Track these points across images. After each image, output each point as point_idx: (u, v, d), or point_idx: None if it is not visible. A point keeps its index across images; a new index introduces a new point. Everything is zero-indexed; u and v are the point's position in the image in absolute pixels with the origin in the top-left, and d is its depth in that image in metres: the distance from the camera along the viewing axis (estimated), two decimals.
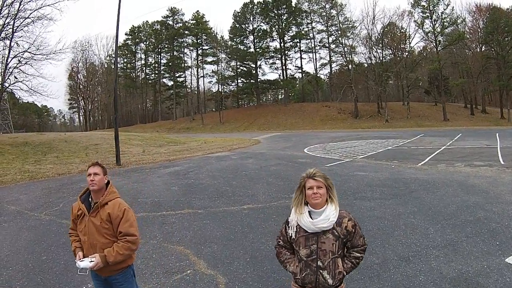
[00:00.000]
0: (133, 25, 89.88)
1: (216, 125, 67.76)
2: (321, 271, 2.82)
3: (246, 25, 76.76)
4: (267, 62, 78.36)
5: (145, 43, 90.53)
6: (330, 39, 70.66)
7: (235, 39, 78.27)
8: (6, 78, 29.85)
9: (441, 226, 7.22)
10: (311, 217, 2.87)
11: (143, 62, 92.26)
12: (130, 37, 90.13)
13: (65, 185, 15.14)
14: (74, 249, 3.56)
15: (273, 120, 62.77)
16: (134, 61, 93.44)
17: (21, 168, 20.28)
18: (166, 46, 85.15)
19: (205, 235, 7.45)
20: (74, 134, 43.82)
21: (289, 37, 74.91)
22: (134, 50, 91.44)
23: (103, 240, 3.39)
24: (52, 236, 8.37)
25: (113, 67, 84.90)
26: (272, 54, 76.73)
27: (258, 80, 78.50)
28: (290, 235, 2.97)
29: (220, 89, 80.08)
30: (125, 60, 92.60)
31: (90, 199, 3.53)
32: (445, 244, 6.29)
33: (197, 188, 12.52)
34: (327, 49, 71.30)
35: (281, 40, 74.80)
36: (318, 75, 76.12)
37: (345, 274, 2.88)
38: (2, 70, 29.99)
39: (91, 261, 3.27)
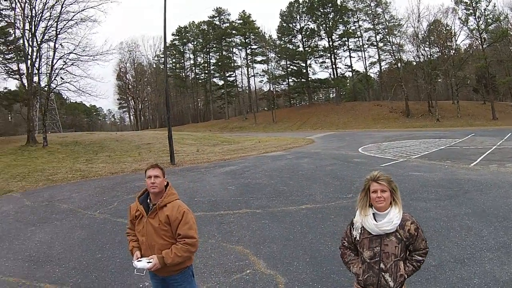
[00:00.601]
0: (179, 26, 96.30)
1: (269, 124, 71.49)
2: (383, 273, 3.07)
3: (294, 24, 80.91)
4: (316, 61, 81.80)
5: (193, 43, 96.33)
6: (378, 37, 74.14)
7: (283, 38, 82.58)
8: (52, 79, 32.41)
9: (494, 228, 7.42)
10: (375, 220, 3.12)
11: (192, 62, 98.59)
12: (177, 37, 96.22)
13: (118, 184, 16.10)
14: (131, 249, 3.85)
15: (326, 119, 65.96)
16: (182, 61, 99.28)
17: (72, 167, 21.82)
18: (214, 46, 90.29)
19: (264, 235, 7.86)
20: (126, 133, 46.25)
21: (337, 36, 78.35)
22: (182, 50, 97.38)
23: (161, 242, 3.63)
24: (107, 235, 8.90)
25: (161, 67, 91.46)
26: (322, 53, 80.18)
27: (309, 79, 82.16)
28: (354, 236, 3.25)
29: (271, 88, 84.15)
30: (174, 60, 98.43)
31: (148, 200, 3.80)
32: (498, 246, 6.48)
33: (254, 187, 13.08)
34: (375, 47, 74.85)
35: (329, 39, 78.30)
36: (368, 74, 79.51)
37: (406, 277, 3.09)
38: (48, 71, 32.70)
39: (149, 262, 3.54)
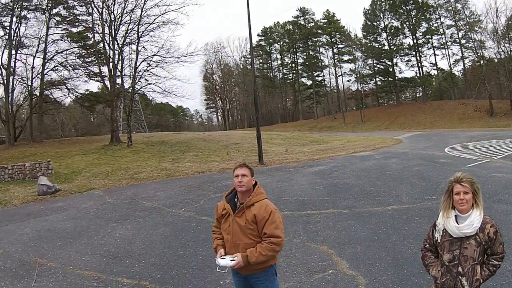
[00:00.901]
0: (264, 26, 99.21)
1: (358, 124, 72.36)
2: (460, 277, 3.20)
3: (378, 22, 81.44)
4: (402, 60, 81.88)
5: (279, 43, 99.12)
6: (460, 34, 73.02)
7: (368, 37, 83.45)
8: (136, 81, 34.42)
9: None
10: (457, 222, 3.25)
11: (279, 62, 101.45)
12: (263, 38, 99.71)
13: (205, 183, 16.51)
14: (215, 247, 4.00)
15: (413, 119, 66.34)
16: (269, 61, 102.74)
17: (158, 166, 22.65)
18: (301, 45, 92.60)
19: (349, 235, 7.98)
20: (214, 133, 47.70)
21: (421, 33, 78.00)
22: (268, 50, 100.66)
23: (246, 240, 3.77)
24: (191, 232, 8.98)
25: (249, 67, 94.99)
26: (407, 51, 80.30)
27: (396, 78, 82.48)
28: (436, 238, 3.40)
29: (359, 88, 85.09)
30: (261, 60, 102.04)
31: (236, 199, 3.97)
32: None
33: (342, 188, 13.23)
34: (458, 44, 73.78)
35: (413, 37, 78.16)
36: (453, 72, 78.45)
37: (482, 281, 3.19)
38: (132, 73, 34.68)
39: (232, 260, 3.67)
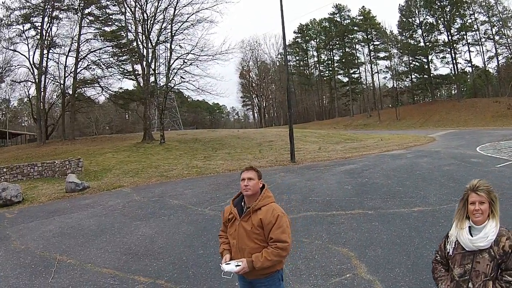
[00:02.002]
0: (300, 23, 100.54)
1: (393, 122, 72.63)
2: None
3: (413, 18, 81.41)
4: (437, 56, 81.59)
5: (315, 40, 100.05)
6: (493, 30, 72.69)
7: (404, 33, 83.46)
8: (171, 79, 35.03)
9: None
10: (470, 234, 3.06)
11: (315, 59, 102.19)
12: (299, 35, 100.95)
13: (235, 181, 16.45)
14: (222, 251, 4.05)
15: (447, 117, 66.27)
16: (306, 58, 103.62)
17: (189, 164, 22.88)
18: (337, 42, 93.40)
19: (371, 238, 7.93)
20: (248, 130, 47.97)
21: (455, 30, 77.55)
22: (305, 47, 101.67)
23: (252, 245, 3.77)
24: (213, 231, 8.98)
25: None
26: (442, 48, 79.91)
27: (431, 75, 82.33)
28: (448, 250, 3.22)
29: (394, 85, 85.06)
30: (297, 57, 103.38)
31: (242, 203, 3.98)
32: None
33: (370, 187, 13.11)
34: (492, 41, 73.50)
35: (448, 33, 77.79)
36: (487, 69, 78.05)
37: None
38: (166, 72, 35.32)
39: (237, 266, 3.70)
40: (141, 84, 36.24)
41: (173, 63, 34.46)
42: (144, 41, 35.28)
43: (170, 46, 34.66)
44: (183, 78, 35.06)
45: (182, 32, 34.87)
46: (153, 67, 35.06)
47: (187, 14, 34.66)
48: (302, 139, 34.42)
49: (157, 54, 35.47)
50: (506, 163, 16.75)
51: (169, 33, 34.68)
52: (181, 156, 26.65)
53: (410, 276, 5.98)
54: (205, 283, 6.24)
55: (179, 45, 35.20)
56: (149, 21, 35.09)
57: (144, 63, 34.85)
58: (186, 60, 34.51)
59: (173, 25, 34.62)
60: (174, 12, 34.32)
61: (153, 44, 34.95)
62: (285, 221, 3.77)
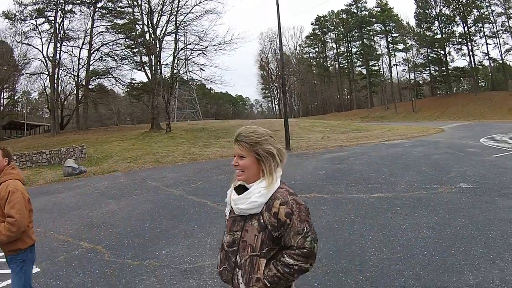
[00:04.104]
0: (317, 15, 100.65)
1: (409, 114, 72.22)
2: (237, 269, 2.35)
3: (429, 10, 79.63)
4: (454, 49, 79.79)
5: (333, 32, 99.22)
6: (510, 22, 71.34)
7: (421, 25, 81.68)
8: (179, 69, 36.20)
9: None
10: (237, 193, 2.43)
11: (335, 51, 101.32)
12: (316, 26, 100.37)
13: (219, 166, 17.22)
14: None
15: (463, 109, 65.52)
16: (325, 50, 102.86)
17: (186, 151, 23.80)
18: (355, 34, 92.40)
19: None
20: (257, 121, 48.53)
21: (472, 22, 76.04)
22: (323, 39, 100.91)
23: None
24: (169, 208, 9.87)
25: (304, 56, 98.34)
26: (459, 40, 78.32)
27: (448, 67, 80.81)
28: (225, 214, 2.57)
29: (412, 77, 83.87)
30: (316, 49, 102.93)
31: None
32: None
33: (343, 173, 13.29)
34: (509, 33, 72.05)
35: (464, 25, 76.44)
36: (505, 62, 76.23)
37: (267, 284, 2.24)
38: (172, 62, 36.33)
39: None
40: (149, 75, 37.48)
41: (177, 54, 35.57)
42: (152, 33, 36.47)
43: (175, 37, 35.81)
44: (192, 68, 36.40)
45: (189, 24, 35.95)
46: (159, 58, 36.17)
47: (191, 5, 35.75)
48: (310, 129, 35.08)
49: (162, 46, 36.60)
50: (504, 154, 16.53)
51: (175, 25, 35.82)
52: (182, 144, 27.54)
53: (324, 262, 5.66)
54: (132, 251, 6.88)
55: (183, 36, 36.73)
56: (156, 13, 36.21)
57: (152, 54, 36.03)
58: (192, 51, 35.62)
59: (177, 16, 35.68)
60: (178, 3, 35.29)
61: (159, 36, 36.15)
62: (17, 197, 3.91)
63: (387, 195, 9.74)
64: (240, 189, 2.41)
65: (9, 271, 4.25)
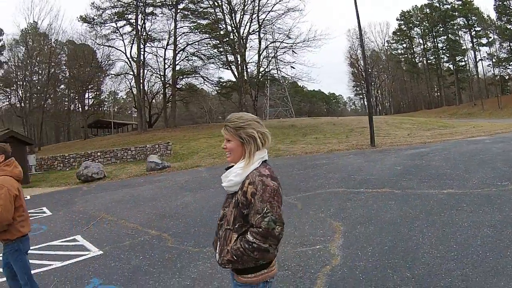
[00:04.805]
0: (402, 10, 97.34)
1: (495, 111, 68.43)
2: (219, 240, 2.61)
3: (508, 1, 74.57)
4: None
5: (419, 27, 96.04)
6: None
7: (502, 18, 76.99)
8: (265, 67, 36.73)
9: None
10: None
11: (422, 47, 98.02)
12: (402, 22, 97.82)
13: (301, 162, 17.23)
14: None
15: None
16: (412, 46, 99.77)
17: (272, 147, 23.70)
18: (440, 29, 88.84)
19: (374, 215, 7.70)
20: (347, 118, 47.96)
21: None
22: (409, 34, 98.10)
23: None
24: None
25: (393, 53, 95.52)
26: None
27: None
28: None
29: (497, 72, 79.98)
30: (403, 45, 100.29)
31: None
32: None
33: (419, 169, 12.87)
34: None
35: None
36: None
37: (231, 258, 2.45)
38: (261, 61, 36.88)
39: None
40: (235, 74, 38.08)
41: (262, 52, 35.99)
42: (236, 32, 37.09)
43: (259, 36, 36.23)
44: (277, 65, 36.61)
45: (272, 23, 36.32)
46: (245, 57, 36.72)
47: (272, 4, 36.23)
48: (397, 126, 34.15)
49: (246, 45, 37.22)
50: None
51: (258, 23, 36.25)
52: None
53: (377, 257, 5.56)
54: (195, 239, 7.11)
55: (269, 34, 37.12)
56: (238, 12, 36.87)
57: (237, 53, 36.57)
58: (277, 49, 35.86)
59: (259, 15, 36.10)
60: (259, 2, 35.90)
61: (243, 35, 36.69)
62: (2, 192, 4.21)
63: (457, 191, 9.25)
64: None
65: None
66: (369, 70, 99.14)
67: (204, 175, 15.86)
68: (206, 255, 6.12)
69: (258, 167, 2.51)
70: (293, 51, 35.60)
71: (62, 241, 7.86)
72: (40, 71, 47.16)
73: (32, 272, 4.75)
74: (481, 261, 4.98)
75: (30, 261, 4.70)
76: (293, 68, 36.64)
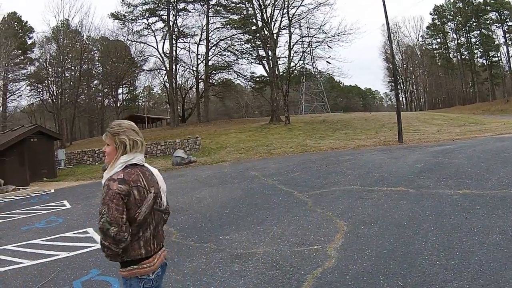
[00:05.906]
0: (435, 5, 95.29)
1: None
2: None
3: None
4: None
5: (452, 22, 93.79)
6: None
7: None
8: (296, 62, 36.80)
9: None
10: None
11: (456, 42, 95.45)
12: (435, 16, 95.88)
13: (326, 158, 16.85)
14: None
15: None
16: (446, 41, 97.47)
17: (300, 143, 23.74)
18: (473, 24, 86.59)
19: (382, 215, 7.35)
20: (378, 113, 47.33)
21: None
22: (443, 29, 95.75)
23: None
24: (256, 197, 9.95)
25: (428, 47, 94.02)
26: None
27: None
28: None
29: None
30: (438, 40, 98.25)
31: None
32: None
33: (440, 167, 12.40)
34: None
35: None
36: None
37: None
38: (294, 56, 36.67)
39: None
40: (267, 68, 38.10)
41: (292, 47, 35.85)
42: (267, 27, 37.08)
43: (289, 31, 36.11)
44: (311, 60, 36.58)
45: (303, 18, 36.21)
46: (279, 51, 36.77)
47: None
48: (428, 122, 33.65)
49: (277, 39, 37.19)
50: None
51: (288, 18, 36.11)
52: (298, 136, 27.61)
53: (372, 261, 5.36)
54: (199, 234, 7.15)
55: (301, 28, 37.58)
56: (268, 7, 36.83)
57: (269, 48, 36.54)
58: (311, 44, 35.78)
59: (289, 10, 35.96)
60: None
61: (274, 30, 36.68)
62: None
63: (473, 191, 8.80)
64: None
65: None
66: (404, 65, 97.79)
67: (226, 170, 15.92)
68: (205, 251, 6.15)
69: (118, 171, 2.69)
70: (328, 46, 35.35)
71: (74, 233, 8.06)
72: (72, 67, 48.42)
73: (38, 261, 4.94)
74: (482, 273, 4.64)
75: (40, 251, 4.89)
76: (329, 63, 36.43)
